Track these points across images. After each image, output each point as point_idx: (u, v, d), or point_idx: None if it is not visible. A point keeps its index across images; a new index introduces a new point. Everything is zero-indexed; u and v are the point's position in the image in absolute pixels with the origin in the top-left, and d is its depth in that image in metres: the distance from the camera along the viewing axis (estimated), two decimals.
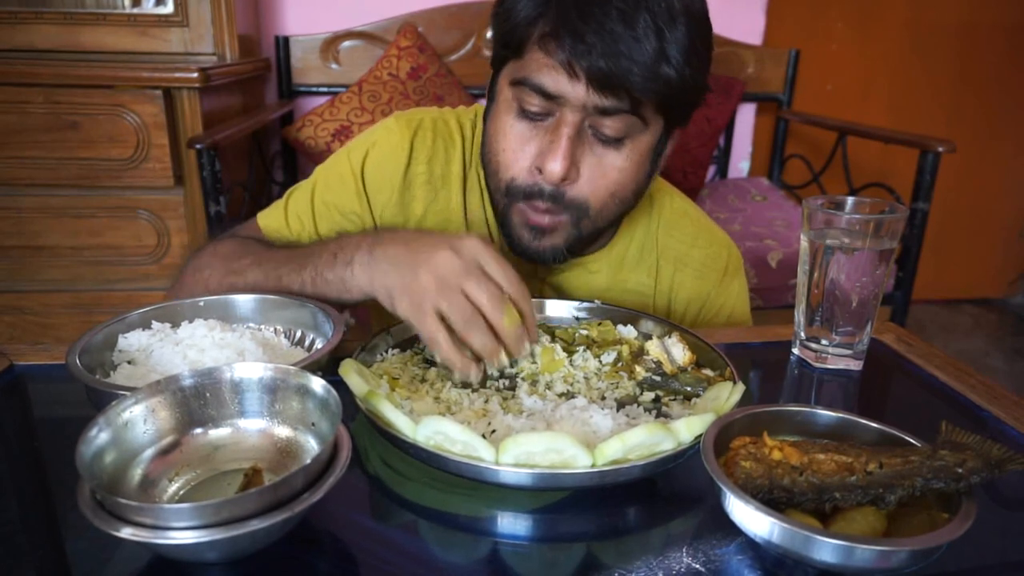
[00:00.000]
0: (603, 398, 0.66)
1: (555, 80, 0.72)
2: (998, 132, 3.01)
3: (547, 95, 0.73)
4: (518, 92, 0.75)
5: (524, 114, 0.76)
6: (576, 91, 0.71)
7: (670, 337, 0.73)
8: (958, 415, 0.71)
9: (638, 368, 0.70)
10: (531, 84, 0.73)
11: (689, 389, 0.67)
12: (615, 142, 0.76)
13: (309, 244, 0.80)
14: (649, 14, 0.69)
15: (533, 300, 0.82)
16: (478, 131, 0.93)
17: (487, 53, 2.36)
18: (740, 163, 2.80)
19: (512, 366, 0.68)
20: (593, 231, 0.83)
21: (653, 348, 0.71)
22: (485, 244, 0.65)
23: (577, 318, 0.81)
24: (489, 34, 2.34)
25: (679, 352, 0.71)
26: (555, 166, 0.73)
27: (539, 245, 0.81)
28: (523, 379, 0.69)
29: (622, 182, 0.78)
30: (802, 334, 0.79)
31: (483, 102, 0.97)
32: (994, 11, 2.85)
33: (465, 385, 0.67)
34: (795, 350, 0.81)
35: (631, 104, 0.72)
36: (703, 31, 0.74)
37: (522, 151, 0.77)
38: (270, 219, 0.92)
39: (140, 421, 0.51)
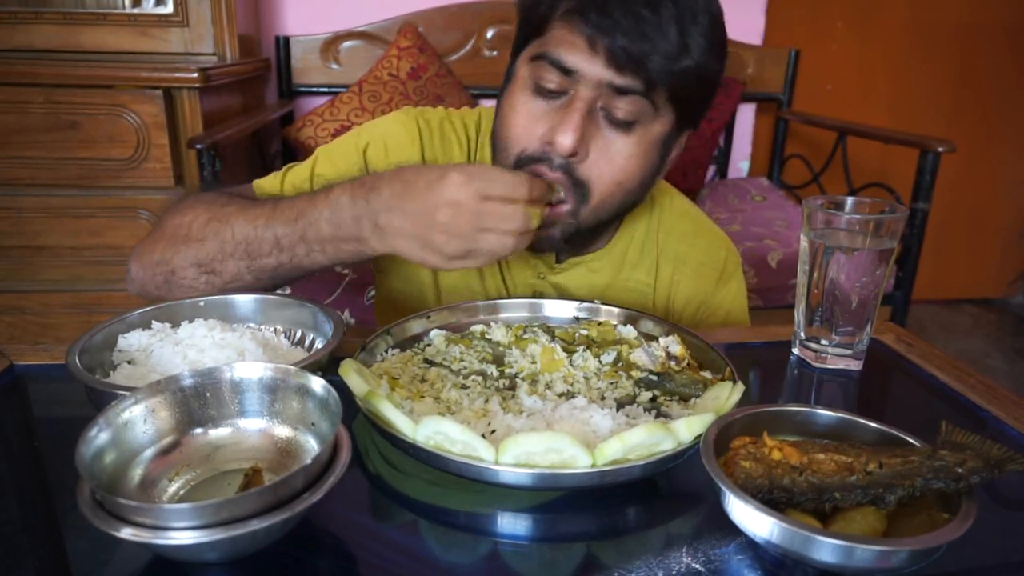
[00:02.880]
0: (603, 398, 0.66)
1: (575, 55, 0.73)
2: (998, 132, 3.00)
3: (564, 70, 0.74)
4: (536, 69, 0.76)
5: (539, 91, 0.77)
6: (594, 67, 0.73)
7: (666, 337, 0.73)
8: (958, 415, 0.71)
9: (635, 369, 0.70)
10: (550, 58, 0.74)
11: (685, 390, 0.67)
12: (625, 126, 0.76)
13: (293, 201, 0.76)
14: (674, 6, 0.72)
15: (532, 300, 0.83)
16: (483, 133, 0.94)
17: (487, 53, 2.36)
18: (740, 163, 2.80)
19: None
20: (594, 223, 0.82)
21: (637, 357, 0.71)
22: (470, 173, 0.67)
23: (577, 318, 0.81)
24: (490, 34, 2.34)
25: (675, 348, 0.71)
26: (565, 138, 0.74)
27: (538, 234, 0.79)
28: (523, 379, 0.69)
29: (629, 170, 0.78)
30: (802, 334, 0.79)
31: (484, 103, 0.97)
32: (994, 11, 2.85)
33: (465, 386, 0.67)
34: (795, 350, 0.81)
35: (646, 86, 0.73)
36: (720, 31, 0.76)
37: (534, 125, 0.77)
38: (264, 183, 0.90)
39: (140, 421, 0.51)
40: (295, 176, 0.90)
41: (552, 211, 0.77)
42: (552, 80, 0.75)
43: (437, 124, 0.93)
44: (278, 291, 0.81)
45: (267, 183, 0.90)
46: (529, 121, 0.78)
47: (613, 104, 0.75)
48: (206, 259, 0.76)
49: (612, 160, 0.77)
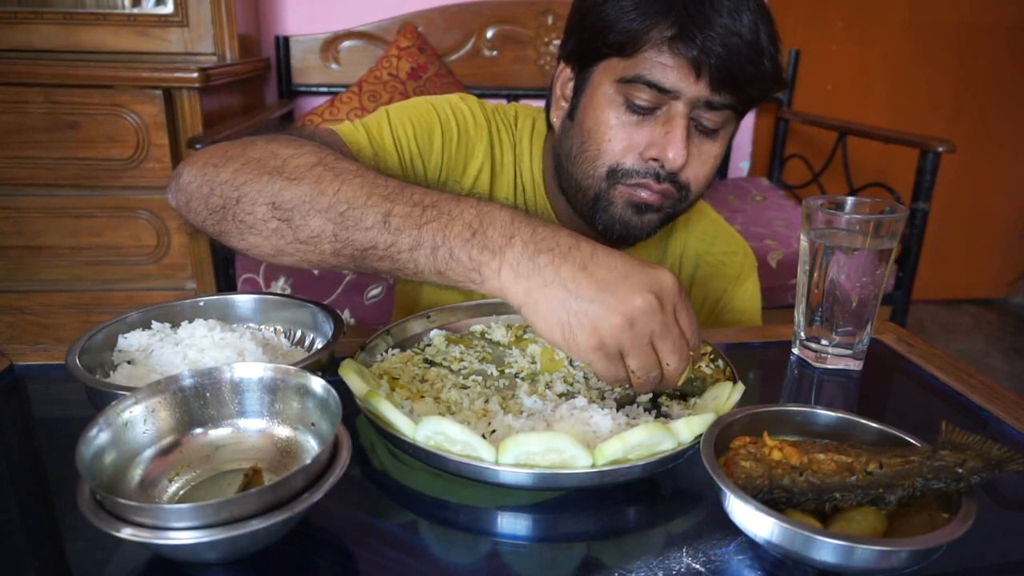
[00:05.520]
0: (603, 398, 0.66)
1: (676, 79, 0.76)
2: (998, 132, 3.01)
3: (663, 91, 0.76)
4: (627, 88, 0.78)
5: (629, 107, 0.79)
6: (696, 88, 0.76)
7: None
8: (958, 415, 0.71)
9: None
10: (648, 81, 0.76)
11: (684, 388, 0.67)
12: (712, 132, 0.81)
13: (427, 190, 0.60)
14: (749, 12, 0.74)
15: None
16: (520, 129, 0.95)
17: (487, 53, 2.36)
18: (740, 163, 2.80)
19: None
20: (683, 212, 0.87)
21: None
22: (678, 287, 0.57)
23: None
24: (490, 34, 2.34)
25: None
26: (678, 156, 0.78)
27: (641, 220, 0.83)
28: (523, 379, 0.69)
29: (715, 167, 0.84)
30: (802, 334, 0.79)
31: (492, 101, 0.98)
32: (994, 12, 2.85)
33: (465, 386, 0.67)
34: (795, 350, 0.81)
35: (738, 100, 0.78)
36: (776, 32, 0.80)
37: (630, 140, 0.80)
38: (350, 133, 0.83)
39: (140, 421, 0.51)
40: (371, 128, 0.85)
41: (661, 199, 0.82)
42: (645, 99, 0.78)
43: (492, 113, 0.95)
44: (278, 291, 0.80)
45: (352, 134, 0.83)
46: (624, 136, 0.80)
47: (703, 115, 0.79)
48: (289, 203, 0.60)
49: (705, 163, 0.82)
